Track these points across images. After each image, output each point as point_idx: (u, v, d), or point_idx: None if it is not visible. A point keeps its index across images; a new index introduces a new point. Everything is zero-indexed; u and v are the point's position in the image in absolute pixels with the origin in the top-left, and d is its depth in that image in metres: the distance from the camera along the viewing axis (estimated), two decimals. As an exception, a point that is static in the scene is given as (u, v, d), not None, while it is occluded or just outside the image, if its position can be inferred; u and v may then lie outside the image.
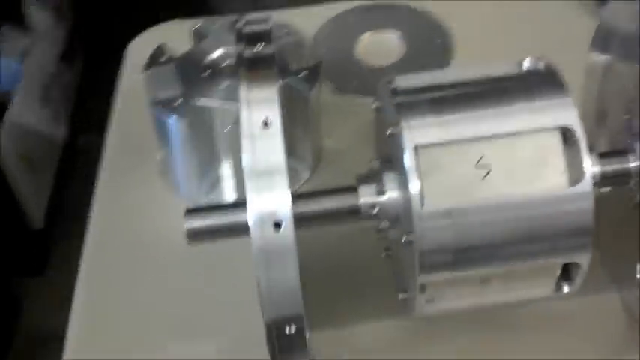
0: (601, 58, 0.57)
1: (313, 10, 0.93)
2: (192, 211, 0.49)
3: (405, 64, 0.82)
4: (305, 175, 0.71)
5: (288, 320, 0.43)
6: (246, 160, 0.43)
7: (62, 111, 1.79)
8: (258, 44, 0.45)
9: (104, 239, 0.68)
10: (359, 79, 0.80)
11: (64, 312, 0.62)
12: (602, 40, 0.57)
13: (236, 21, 0.72)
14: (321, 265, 0.62)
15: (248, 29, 0.46)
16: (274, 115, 0.43)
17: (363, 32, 0.86)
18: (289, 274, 0.42)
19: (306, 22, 0.80)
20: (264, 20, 0.47)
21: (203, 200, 0.68)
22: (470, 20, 0.87)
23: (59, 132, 1.76)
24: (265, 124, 0.43)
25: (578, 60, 0.60)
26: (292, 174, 0.71)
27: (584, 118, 0.44)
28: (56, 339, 0.61)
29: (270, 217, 0.42)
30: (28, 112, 1.57)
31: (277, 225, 0.42)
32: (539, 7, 0.88)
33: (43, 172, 1.62)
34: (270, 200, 0.42)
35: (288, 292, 0.42)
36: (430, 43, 0.85)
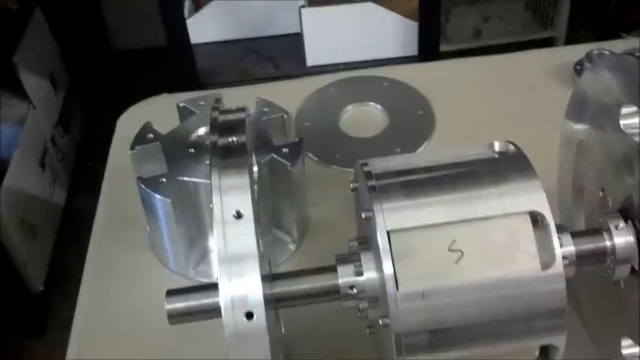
0: (575, 128, 0.58)
1: (298, 83, 0.96)
2: (172, 292, 0.49)
3: (388, 136, 0.83)
4: (292, 246, 0.71)
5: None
6: (218, 246, 0.43)
7: (61, 174, 1.81)
8: (232, 135, 0.46)
9: (93, 309, 0.68)
10: (343, 151, 0.81)
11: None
12: (577, 109, 0.58)
13: (218, 102, 0.73)
14: (309, 338, 0.62)
15: (223, 119, 0.47)
16: (246, 203, 0.44)
17: (346, 104, 0.87)
18: (260, 357, 0.42)
19: (290, 94, 0.81)
20: (240, 110, 0.48)
21: (192, 272, 0.68)
22: (449, 91, 0.88)
23: (58, 195, 1.78)
24: (238, 212, 0.43)
25: (557, 129, 0.61)
26: (280, 246, 0.72)
27: (561, 193, 0.45)
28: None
29: (242, 303, 0.42)
30: (26, 177, 1.58)
31: (249, 314, 0.42)
32: (519, 77, 0.90)
33: (43, 236, 1.63)
34: (241, 287, 0.43)
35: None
36: (412, 114, 0.86)
